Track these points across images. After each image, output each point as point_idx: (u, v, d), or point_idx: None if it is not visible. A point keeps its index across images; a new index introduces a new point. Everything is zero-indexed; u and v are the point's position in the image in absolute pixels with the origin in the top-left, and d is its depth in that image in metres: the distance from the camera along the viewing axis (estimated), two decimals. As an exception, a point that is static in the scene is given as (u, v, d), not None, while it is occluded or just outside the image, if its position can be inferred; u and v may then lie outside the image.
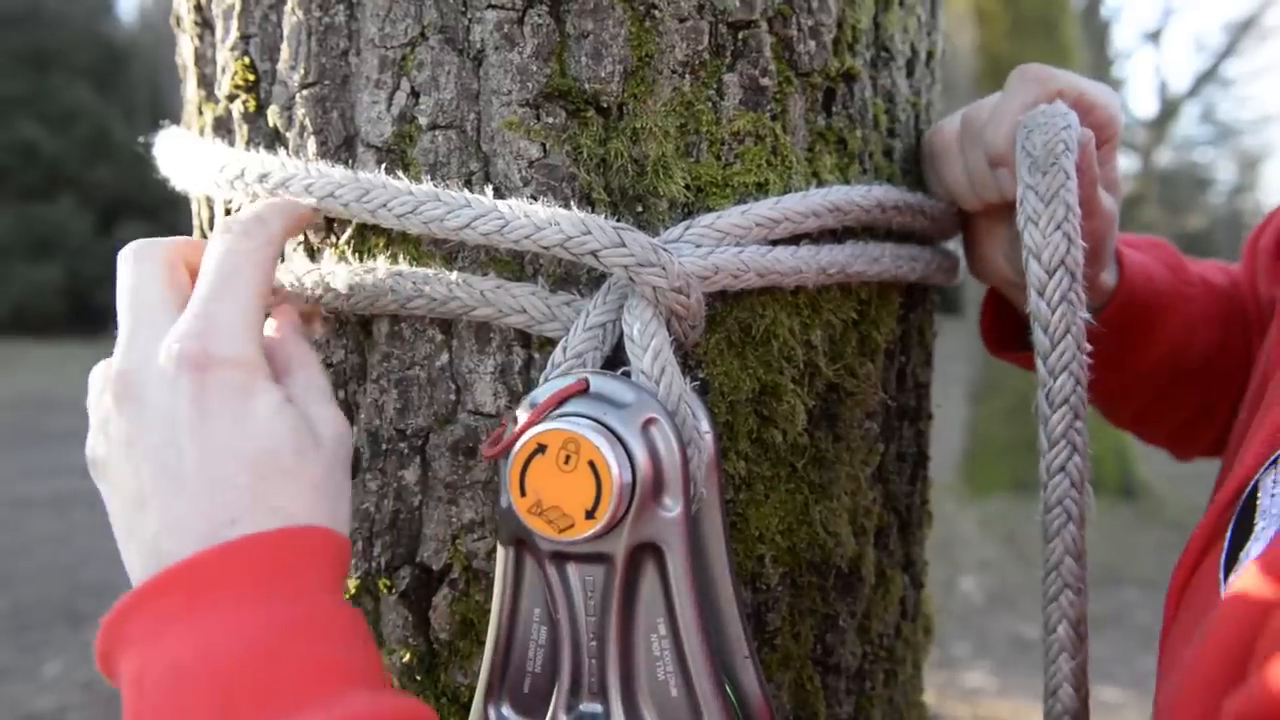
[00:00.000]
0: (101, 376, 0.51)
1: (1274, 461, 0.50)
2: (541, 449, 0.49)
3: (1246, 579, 0.44)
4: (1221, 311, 0.80)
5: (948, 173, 0.69)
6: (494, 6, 0.56)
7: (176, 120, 0.72)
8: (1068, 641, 0.57)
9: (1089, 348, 0.57)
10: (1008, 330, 0.80)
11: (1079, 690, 0.57)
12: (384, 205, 0.54)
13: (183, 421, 0.47)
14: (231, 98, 0.64)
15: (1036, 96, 0.63)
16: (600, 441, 0.48)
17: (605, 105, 0.56)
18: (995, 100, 0.65)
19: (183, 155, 0.65)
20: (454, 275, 0.56)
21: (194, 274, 0.53)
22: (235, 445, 0.47)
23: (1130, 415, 0.87)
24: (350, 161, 0.59)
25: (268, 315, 0.57)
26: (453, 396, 0.58)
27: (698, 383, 0.57)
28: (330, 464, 0.50)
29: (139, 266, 0.52)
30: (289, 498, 0.47)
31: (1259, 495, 0.50)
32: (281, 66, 0.61)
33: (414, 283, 0.56)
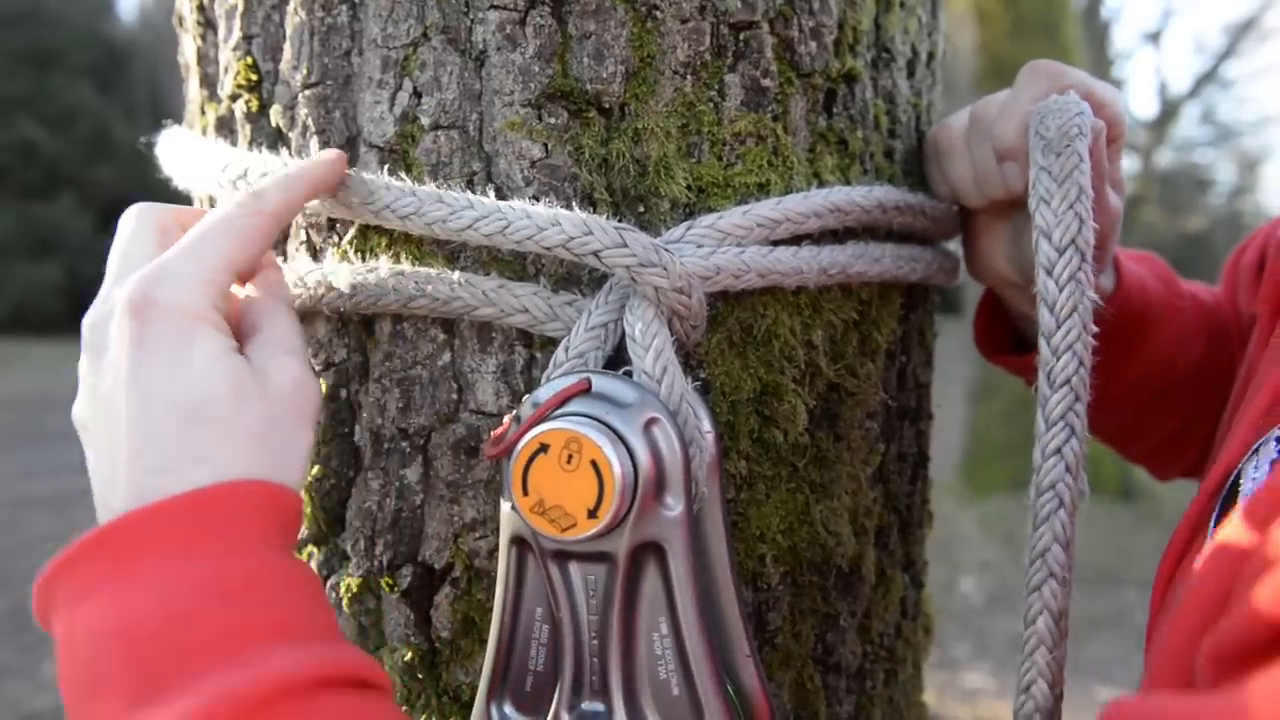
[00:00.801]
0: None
1: (1256, 450, 0.50)
2: (544, 448, 0.49)
3: (1229, 528, 0.43)
4: (1209, 328, 0.81)
5: (953, 169, 0.69)
6: (496, 7, 0.56)
7: (177, 120, 0.72)
8: (1047, 634, 0.54)
9: (1095, 329, 0.56)
10: (1001, 334, 0.80)
11: (1054, 688, 0.54)
12: (387, 206, 0.55)
13: (123, 366, 0.47)
14: (234, 97, 0.64)
15: (1047, 90, 0.63)
16: (602, 441, 0.48)
17: (607, 106, 0.57)
18: (1004, 95, 0.66)
19: (185, 155, 0.65)
20: (456, 275, 0.56)
21: None
22: (167, 391, 0.46)
23: (1115, 428, 0.87)
24: (353, 161, 0.59)
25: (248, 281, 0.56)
26: (455, 396, 0.58)
27: (699, 382, 0.57)
28: (275, 413, 0.48)
29: (134, 225, 0.53)
30: (219, 447, 0.46)
31: (1241, 482, 0.50)
32: (284, 66, 0.61)
33: (416, 282, 0.56)
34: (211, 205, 0.69)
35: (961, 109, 0.71)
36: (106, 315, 0.49)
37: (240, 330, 0.52)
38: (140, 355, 0.46)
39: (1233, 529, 0.42)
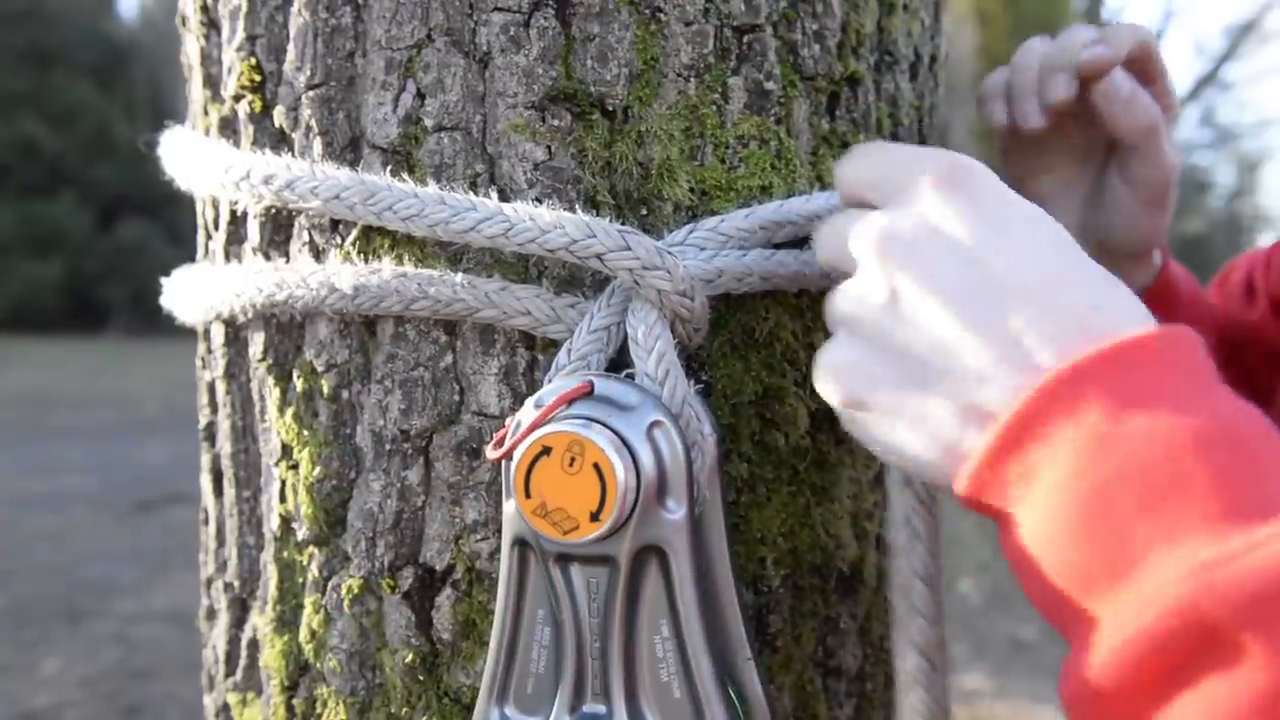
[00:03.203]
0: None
1: None
2: (546, 451, 0.49)
3: None
4: (1218, 332, 0.84)
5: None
6: (500, 9, 0.56)
7: (177, 118, 0.72)
8: (920, 674, 0.52)
9: None
10: None
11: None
12: (390, 208, 0.55)
13: (974, 238, 0.44)
14: (237, 98, 0.64)
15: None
16: (605, 444, 0.48)
17: (611, 108, 0.57)
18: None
19: (188, 156, 0.65)
20: (459, 277, 0.56)
21: None
22: (1037, 239, 0.44)
23: None
24: (356, 162, 0.59)
25: None
26: (457, 397, 0.59)
27: (701, 385, 0.57)
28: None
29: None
30: (1114, 286, 0.43)
31: None
32: (288, 67, 0.61)
33: (419, 284, 0.56)
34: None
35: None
36: (896, 220, 0.46)
37: None
38: (989, 218, 0.45)
39: None
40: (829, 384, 0.48)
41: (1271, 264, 0.83)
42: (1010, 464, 0.41)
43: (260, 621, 0.66)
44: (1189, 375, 0.40)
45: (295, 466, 0.63)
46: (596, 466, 0.48)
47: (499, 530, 0.57)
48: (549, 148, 0.56)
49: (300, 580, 0.64)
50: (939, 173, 0.46)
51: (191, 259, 0.73)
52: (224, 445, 0.69)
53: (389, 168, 0.58)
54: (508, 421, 0.53)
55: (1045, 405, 0.40)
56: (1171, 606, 0.34)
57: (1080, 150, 0.76)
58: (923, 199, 0.46)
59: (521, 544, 0.53)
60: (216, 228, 0.68)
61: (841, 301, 0.48)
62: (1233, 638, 0.33)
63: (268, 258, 0.63)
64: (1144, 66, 0.73)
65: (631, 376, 0.53)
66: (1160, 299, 0.78)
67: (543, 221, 0.52)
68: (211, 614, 0.73)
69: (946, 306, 0.43)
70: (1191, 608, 0.34)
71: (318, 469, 0.62)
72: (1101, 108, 0.72)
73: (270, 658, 0.65)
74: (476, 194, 0.55)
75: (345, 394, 0.61)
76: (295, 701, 0.64)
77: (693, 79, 0.58)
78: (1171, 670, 0.35)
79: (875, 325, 0.46)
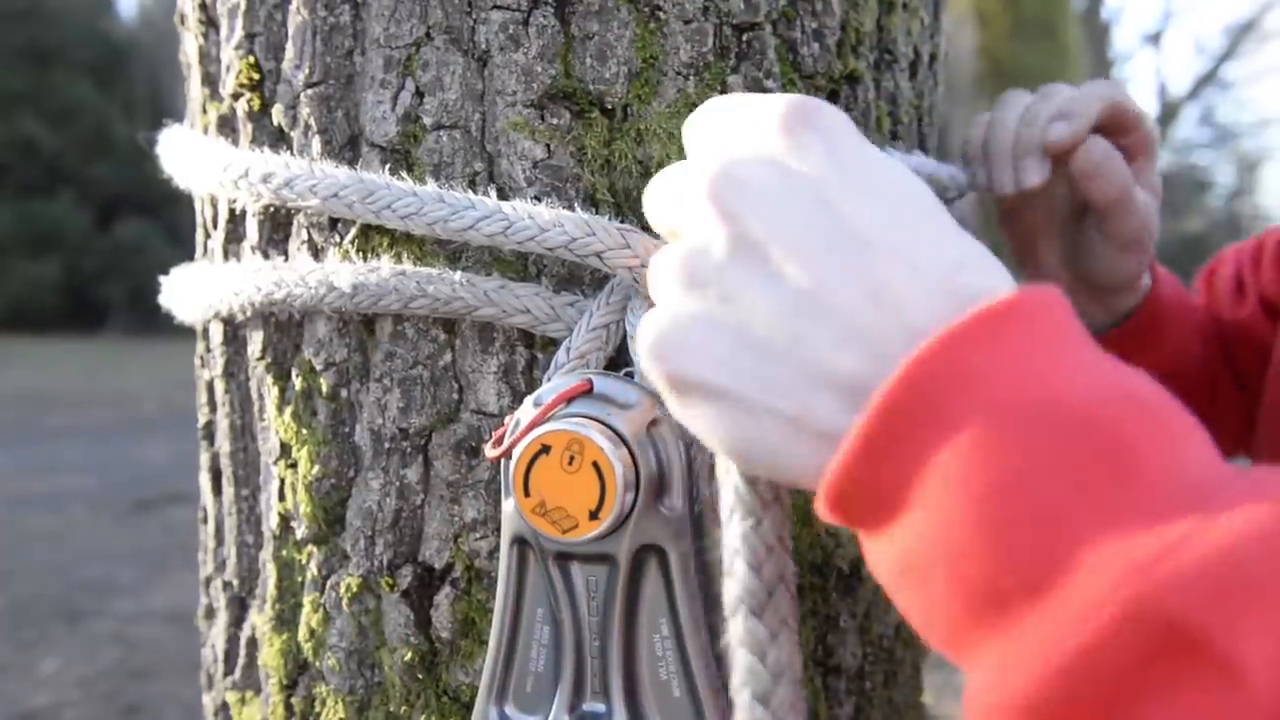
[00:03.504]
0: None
1: None
2: (545, 449, 0.49)
3: None
4: (1202, 332, 0.86)
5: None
6: (499, 7, 0.56)
7: (176, 117, 0.72)
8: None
9: None
10: None
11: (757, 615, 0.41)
12: (388, 206, 0.55)
13: (826, 182, 0.38)
14: (236, 96, 0.64)
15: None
16: (604, 442, 0.48)
17: (610, 106, 0.57)
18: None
19: (186, 154, 0.65)
20: (457, 275, 0.56)
21: None
22: (895, 188, 0.38)
23: None
24: (354, 161, 0.59)
25: None
26: (455, 396, 0.58)
27: (700, 384, 0.57)
28: None
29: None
30: (976, 245, 0.38)
31: None
32: (286, 65, 0.61)
33: (417, 282, 0.56)
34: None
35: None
36: (736, 160, 0.39)
37: None
38: (840, 163, 0.38)
39: None
40: (653, 361, 0.39)
41: (1260, 261, 0.84)
42: (890, 451, 0.33)
43: (259, 620, 0.66)
44: (1074, 341, 0.34)
45: (294, 465, 0.63)
46: (596, 465, 0.48)
47: (498, 529, 0.57)
48: (548, 146, 0.56)
49: (299, 579, 0.64)
50: (785, 109, 0.39)
51: (190, 258, 0.73)
52: (223, 444, 0.69)
53: (388, 166, 0.57)
54: (507, 420, 0.53)
55: (928, 379, 0.33)
56: (1125, 608, 0.29)
57: (1057, 201, 0.79)
58: (766, 137, 0.39)
59: (521, 542, 0.53)
60: (215, 226, 0.68)
61: (670, 260, 0.39)
62: (1207, 637, 0.28)
63: (266, 256, 0.63)
64: (1117, 123, 0.75)
65: (631, 374, 0.53)
66: (1151, 316, 0.80)
67: (542, 220, 0.52)
68: (210, 613, 0.73)
69: (793, 256, 0.36)
70: (1150, 608, 0.28)
71: (316, 467, 0.62)
72: (1075, 177, 0.74)
73: (269, 656, 0.65)
74: (475, 192, 0.55)
75: (344, 392, 0.61)
76: (294, 700, 0.64)
77: (692, 77, 0.57)
78: (1133, 682, 0.29)
79: (714, 284, 0.38)
